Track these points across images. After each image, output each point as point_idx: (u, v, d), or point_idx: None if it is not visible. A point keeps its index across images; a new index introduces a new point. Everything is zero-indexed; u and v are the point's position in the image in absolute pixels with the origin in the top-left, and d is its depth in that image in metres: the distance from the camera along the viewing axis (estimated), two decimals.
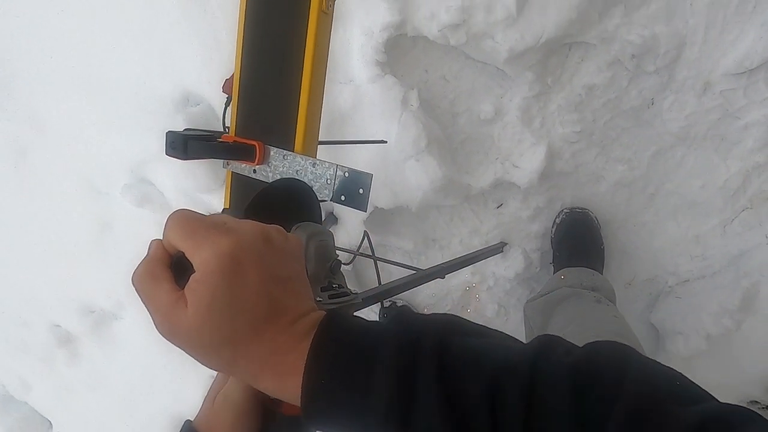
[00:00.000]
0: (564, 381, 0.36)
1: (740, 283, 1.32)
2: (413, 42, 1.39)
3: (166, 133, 0.66)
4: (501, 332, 0.43)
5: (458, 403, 0.37)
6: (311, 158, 0.66)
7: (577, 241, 1.39)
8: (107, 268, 1.72)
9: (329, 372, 0.38)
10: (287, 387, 0.39)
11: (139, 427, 1.91)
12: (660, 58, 1.28)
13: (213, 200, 1.55)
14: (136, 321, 1.79)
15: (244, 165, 0.70)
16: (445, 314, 0.43)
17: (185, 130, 0.74)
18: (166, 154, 0.66)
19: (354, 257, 1.24)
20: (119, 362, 1.86)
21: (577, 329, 1.07)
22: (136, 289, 0.40)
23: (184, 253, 0.39)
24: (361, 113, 1.38)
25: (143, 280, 0.40)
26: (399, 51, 1.39)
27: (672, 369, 0.38)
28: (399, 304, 1.62)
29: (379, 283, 1.04)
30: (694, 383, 0.38)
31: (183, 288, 0.39)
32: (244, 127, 0.70)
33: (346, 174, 0.64)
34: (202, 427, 0.47)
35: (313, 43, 0.65)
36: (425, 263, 1.56)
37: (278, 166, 0.68)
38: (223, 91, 1.44)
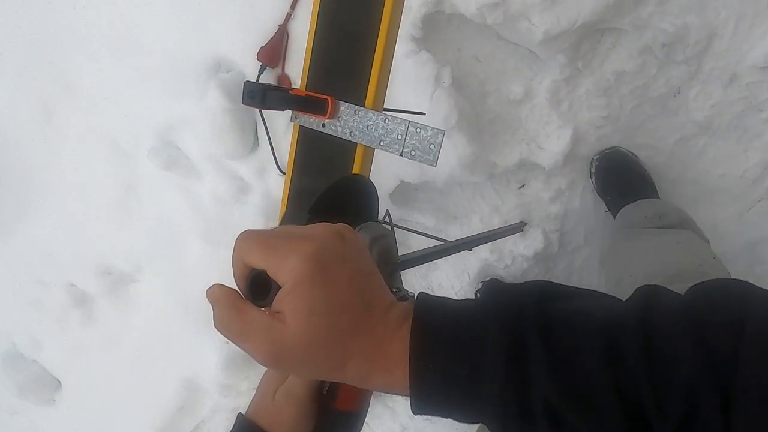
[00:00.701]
0: (679, 325, 0.35)
1: (753, 270, 1.37)
2: (448, 19, 1.41)
3: (244, 83, 0.68)
4: (597, 291, 0.42)
5: (574, 369, 0.35)
6: (382, 114, 0.69)
7: (622, 179, 1.38)
8: (128, 230, 1.74)
9: (435, 356, 0.38)
10: (397, 379, 0.38)
11: (150, 390, 1.94)
12: (690, 47, 1.31)
13: (240, 168, 1.57)
14: (153, 284, 1.81)
15: (313, 119, 0.73)
16: (536, 281, 0.42)
17: (246, 82, 0.76)
18: (243, 103, 0.69)
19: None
20: (134, 325, 1.88)
21: (649, 269, 1.00)
22: (224, 333, 0.39)
23: (257, 273, 0.40)
24: (395, 88, 1.40)
25: (229, 319, 0.39)
26: (434, 28, 1.41)
27: None
28: None
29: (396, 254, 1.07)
30: None
31: (267, 306, 0.39)
32: (316, 80, 0.73)
33: (418, 130, 0.67)
34: (263, 422, 0.47)
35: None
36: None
37: (348, 120, 0.71)
38: (257, 59, 1.47)
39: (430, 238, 1.24)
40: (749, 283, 0.38)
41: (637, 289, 0.39)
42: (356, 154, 0.73)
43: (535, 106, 1.44)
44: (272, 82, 1.48)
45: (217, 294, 0.40)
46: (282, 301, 0.38)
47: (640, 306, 0.37)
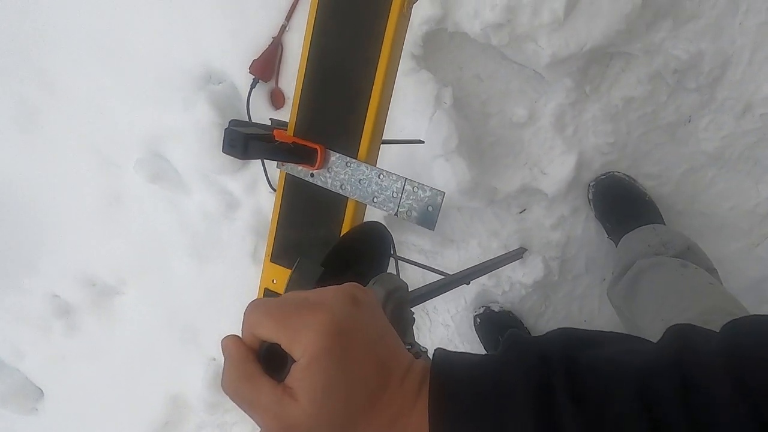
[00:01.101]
0: (719, 371, 0.33)
1: (761, 309, 1.32)
2: (450, 38, 1.35)
3: (225, 130, 0.62)
4: (619, 333, 0.41)
5: (607, 421, 0.33)
6: (377, 168, 0.63)
7: (618, 204, 1.32)
8: (113, 241, 1.68)
9: (457, 425, 0.35)
10: None
11: (135, 403, 1.89)
12: (703, 75, 1.26)
13: (230, 183, 1.51)
14: (138, 298, 1.75)
15: (300, 168, 0.67)
16: (557, 329, 0.39)
17: (232, 121, 0.70)
18: (223, 151, 0.62)
19: None
20: (118, 338, 1.82)
21: (677, 309, 0.94)
22: (231, 398, 0.38)
23: (269, 345, 0.38)
24: (393, 108, 1.34)
25: (238, 385, 0.37)
26: (435, 46, 1.35)
27: None
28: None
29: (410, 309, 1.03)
30: None
31: (281, 380, 0.37)
32: (304, 127, 0.67)
33: (416, 189, 0.61)
34: None
35: (389, 46, 0.61)
36: (441, 263, 1.53)
37: (339, 172, 0.65)
38: (250, 72, 1.40)
39: (430, 270, 1.18)
40: None
41: (667, 329, 0.38)
42: (347, 207, 0.67)
43: (539, 130, 1.38)
44: (265, 97, 1.42)
45: (230, 350, 0.38)
46: (295, 377, 0.36)
47: (673, 348, 0.35)
